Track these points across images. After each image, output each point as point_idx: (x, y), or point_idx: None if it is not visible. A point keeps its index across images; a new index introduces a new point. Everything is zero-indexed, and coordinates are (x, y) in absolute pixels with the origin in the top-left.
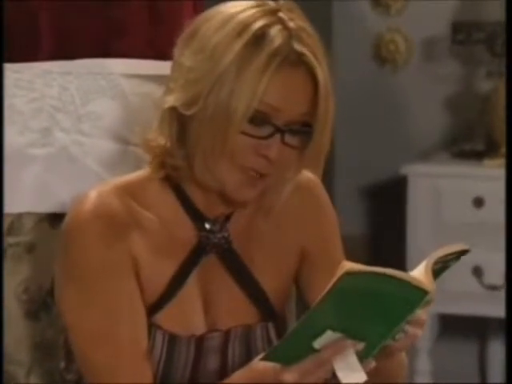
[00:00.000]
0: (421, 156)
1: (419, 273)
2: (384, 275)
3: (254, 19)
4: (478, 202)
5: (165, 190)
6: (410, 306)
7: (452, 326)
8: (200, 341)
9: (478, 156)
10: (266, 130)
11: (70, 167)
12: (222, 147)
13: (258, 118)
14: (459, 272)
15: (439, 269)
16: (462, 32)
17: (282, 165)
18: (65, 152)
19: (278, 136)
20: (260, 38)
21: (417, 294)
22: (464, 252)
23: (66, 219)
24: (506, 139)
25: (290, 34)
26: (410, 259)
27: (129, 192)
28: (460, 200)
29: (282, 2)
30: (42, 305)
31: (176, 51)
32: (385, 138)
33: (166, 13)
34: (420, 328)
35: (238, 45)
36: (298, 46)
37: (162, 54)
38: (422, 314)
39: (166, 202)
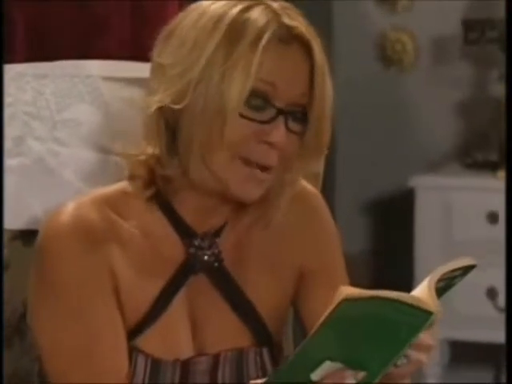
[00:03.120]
0: (430, 167)
1: (421, 292)
2: (385, 299)
3: (231, 6)
4: (493, 217)
5: (149, 202)
6: (414, 329)
7: (464, 353)
8: (186, 365)
9: (492, 167)
10: (267, 114)
11: (45, 179)
12: (219, 136)
13: (257, 99)
14: (472, 294)
15: (443, 287)
16: (475, 31)
17: (285, 156)
18: (39, 163)
19: (281, 119)
20: (243, 19)
21: (421, 316)
22: (470, 267)
23: (41, 232)
24: (505, 149)
25: (276, 12)
26: (417, 279)
27: (109, 203)
28: (473, 215)
29: None
30: (15, 330)
31: (154, 52)
32: (390, 147)
33: (149, 12)
34: (425, 353)
35: (221, 29)
36: (287, 21)
37: (146, 55)
38: (426, 337)
39: (150, 215)
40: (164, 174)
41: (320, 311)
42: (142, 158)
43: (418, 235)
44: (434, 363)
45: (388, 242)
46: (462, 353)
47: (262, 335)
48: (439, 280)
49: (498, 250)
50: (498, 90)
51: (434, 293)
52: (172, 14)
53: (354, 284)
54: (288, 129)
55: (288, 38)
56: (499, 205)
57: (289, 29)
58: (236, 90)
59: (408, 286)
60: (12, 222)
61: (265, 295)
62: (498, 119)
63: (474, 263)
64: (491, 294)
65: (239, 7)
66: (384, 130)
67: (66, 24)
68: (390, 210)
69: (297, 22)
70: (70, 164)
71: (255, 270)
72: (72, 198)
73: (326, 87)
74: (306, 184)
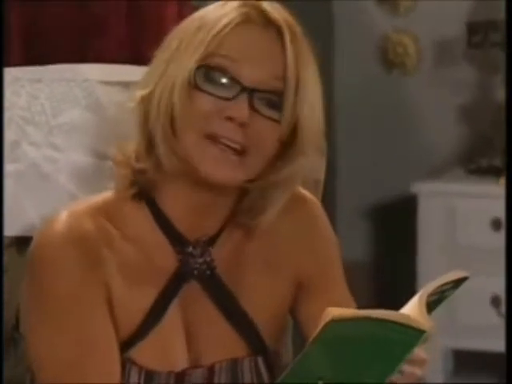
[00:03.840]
0: (433, 173)
1: (412, 308)
2: (375, 319)
3: (213, 6)
4: (497, 224)
5: (141, 211)
6: (407, 348)
7: (467, 361)
8: (180, 377)
9: (496, 172)
10: (231, 91)
11: (40, 185)
12: (174, 109)
13: (215, 73)
14: (476, 302)
15: (435, 300)
16: (478, 33)
17: (259, 141)
18: (35, 168)
19: (244, 96)
20: (214, 14)
21: (412, 335)
22: (462, 280)
23: (34, 242)
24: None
25: (251, 3)
26: (420, 287)
27: (103, 212)
28: (476, 222)
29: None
30: (9, 340)
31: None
32: (392, 153)
33: (148, 13)
34: (419, 367)
35: (191, 27)
36: (263, 6)
37: (144, 57)
38: (420, 352)
39: (143, 224)
40: (140, 167)
41: (319, 319)
42: (125, 158)
43: (420, 242)
44: (438, 372)
45: (390, 249)
46: (465, 361)
47: (256, 344)
48: (431, 294)
49: (502, 257)
50: (502, 93)
51: (424, 309)
52: (171, 14)
53: (355, 291)
54: (256, 110)
55: (262, 21)
56: (503, 211)
57: (263, 13)
58: (185, 62)
59: (411, 294)
60: (7, 229)
61: (261, 303)
62: (502, 124)
63: (465, 275)
64: (495, 302)
65: (216, 5)
66: (386, 135)
67: (63, 25)
68: (392, 217)
69: (273, 9)
70: (65, 170)
71: (251, 279)
72: (67, 204)
73: (305, 75)
74: (304, 191)
